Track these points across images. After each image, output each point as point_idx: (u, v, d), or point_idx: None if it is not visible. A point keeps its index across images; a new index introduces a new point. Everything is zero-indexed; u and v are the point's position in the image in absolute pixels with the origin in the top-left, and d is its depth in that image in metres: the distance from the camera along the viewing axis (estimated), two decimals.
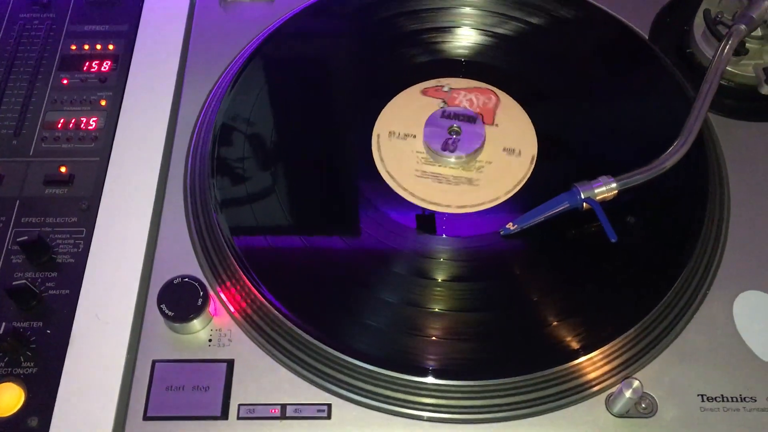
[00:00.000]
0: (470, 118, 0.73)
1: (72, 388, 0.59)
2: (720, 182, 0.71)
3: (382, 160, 0.72)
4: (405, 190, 0.70)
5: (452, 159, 0.71)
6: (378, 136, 0.73)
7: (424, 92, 0.72)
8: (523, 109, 0.75)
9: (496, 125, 0.73)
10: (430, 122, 0.73)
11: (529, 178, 0.71)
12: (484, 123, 0.72)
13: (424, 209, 0.69)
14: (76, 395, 0.59)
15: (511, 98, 0.75)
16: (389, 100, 0.76)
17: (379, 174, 0.71)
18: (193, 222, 0.68)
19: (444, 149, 0.71)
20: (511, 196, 0.70)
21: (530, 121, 0.74)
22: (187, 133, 0.74)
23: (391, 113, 0.75)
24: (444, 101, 0.73)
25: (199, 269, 0.65)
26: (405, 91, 0.77)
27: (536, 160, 0.71)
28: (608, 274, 0.65)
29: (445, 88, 0.72)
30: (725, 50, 0.71)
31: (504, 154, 0.71)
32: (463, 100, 0.72)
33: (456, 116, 0.73)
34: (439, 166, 0.72)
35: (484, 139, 0.72)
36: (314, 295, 0.63)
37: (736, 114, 0.75)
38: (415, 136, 0.73)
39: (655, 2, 0.83)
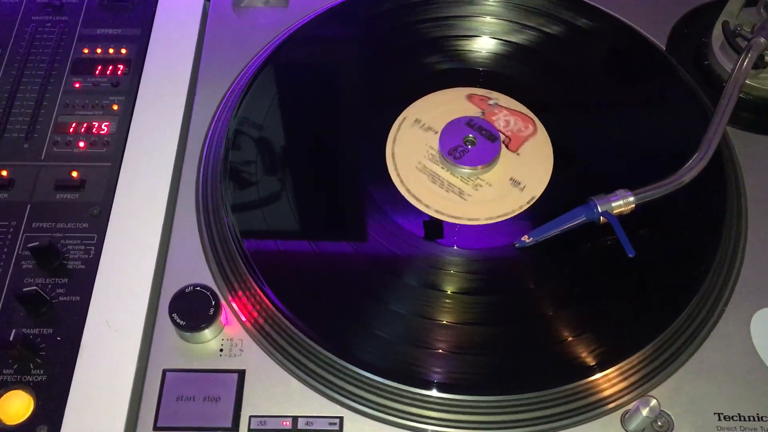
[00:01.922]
0: (492, 137, 0.72)
1: (82, 396, 0.59)
2: (737, 196, 0.70)
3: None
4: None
5: (455, 167, 0.71)
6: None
7: (469, 98, 0.71)
8: (550, 140, 0.74)
9: (518, 154, 0.72)
10: (451, 124, 0.73)
11: (535, 202, 0.70)
12: (508, 148, 0.71)
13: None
14: (85, 404, 0.59)
15: (545, 133, 0.73)
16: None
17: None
18: (205, 229, 0.68)
19: (449, 154, 0.71)
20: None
21: (552, 163, 0.72)
22: (200, 138, 0.73)
23: (425, 104, 0.76)
24: (483, 112, 0.72)
25: (210, 278, 0.65)
26: (451, 89, 0.77)
27: (536, 202, 0.70)
28: (625, 289, 0.64)
29: (491, 101, 0.71)
30: (744, 63, 0.70)
31: (508, 183, 0.70)
32: (500, 118, 0.71)
33: (479, 129, 0.72)
34: (442, 167, 0.72)
35: (493, 162, 0.71)
36: (327, 305, 0.63)
37: (754, 128, 0.75)
38: (436, 132, 0.73)
39: (672, 13, 0.83)
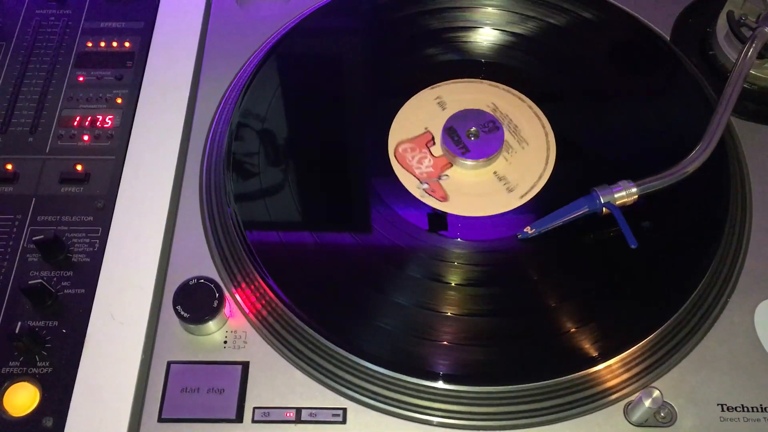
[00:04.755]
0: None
1: (87, 388, 0.59)
2: (742, 187, 0.70)
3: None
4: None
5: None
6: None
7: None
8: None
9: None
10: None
11: (546, 183, 0.70)
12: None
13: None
14: (91, 396, 0.59)
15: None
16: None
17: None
18: (208, 222, 0.68)
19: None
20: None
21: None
22: (203, 131, 0.74)
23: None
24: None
25: (214, 270, 0.65)
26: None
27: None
28: (627, 280, 0.64)
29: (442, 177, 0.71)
30: (749, 53, 0.70)
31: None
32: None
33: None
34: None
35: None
36: (330, 297, 0.63)
37: (758, 118, 0.74)
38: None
39: (677, 3, 0.82)
